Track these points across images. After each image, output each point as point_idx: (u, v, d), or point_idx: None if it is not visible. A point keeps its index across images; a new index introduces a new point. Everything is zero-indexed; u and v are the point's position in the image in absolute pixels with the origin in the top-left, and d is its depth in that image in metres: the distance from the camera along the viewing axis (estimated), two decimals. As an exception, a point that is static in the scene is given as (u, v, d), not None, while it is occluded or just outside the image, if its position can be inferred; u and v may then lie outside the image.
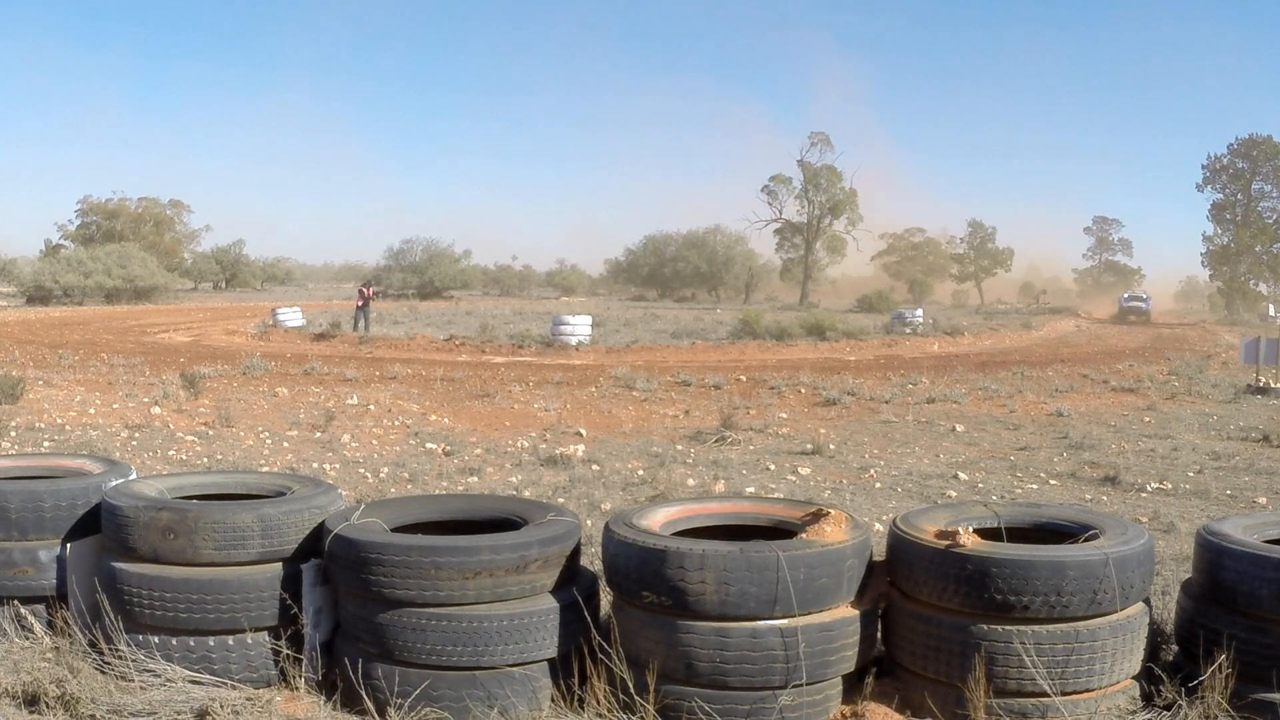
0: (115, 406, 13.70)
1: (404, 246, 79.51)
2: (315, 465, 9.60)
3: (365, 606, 4.05)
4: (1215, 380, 20.33)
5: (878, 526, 7.03)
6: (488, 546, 3.98)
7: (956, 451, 11.48)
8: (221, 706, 3.93)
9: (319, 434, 11.67)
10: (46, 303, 54.20)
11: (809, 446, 11.21)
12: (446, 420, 13.38)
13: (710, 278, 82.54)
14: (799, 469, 10.01)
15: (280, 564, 4.31)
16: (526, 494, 8.23)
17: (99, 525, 4.60)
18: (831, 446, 11.49)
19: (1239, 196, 65.12)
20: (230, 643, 4.24)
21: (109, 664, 4.24)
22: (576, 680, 4.05)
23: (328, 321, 33.57)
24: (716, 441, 11.59)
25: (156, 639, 4.24)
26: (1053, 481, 9.75)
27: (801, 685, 3.80)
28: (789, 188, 72.64)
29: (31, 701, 4.06)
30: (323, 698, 4.15)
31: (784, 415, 14.43)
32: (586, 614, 4.12)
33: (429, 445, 11.06)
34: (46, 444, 10.53)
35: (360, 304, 32.78)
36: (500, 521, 4.43)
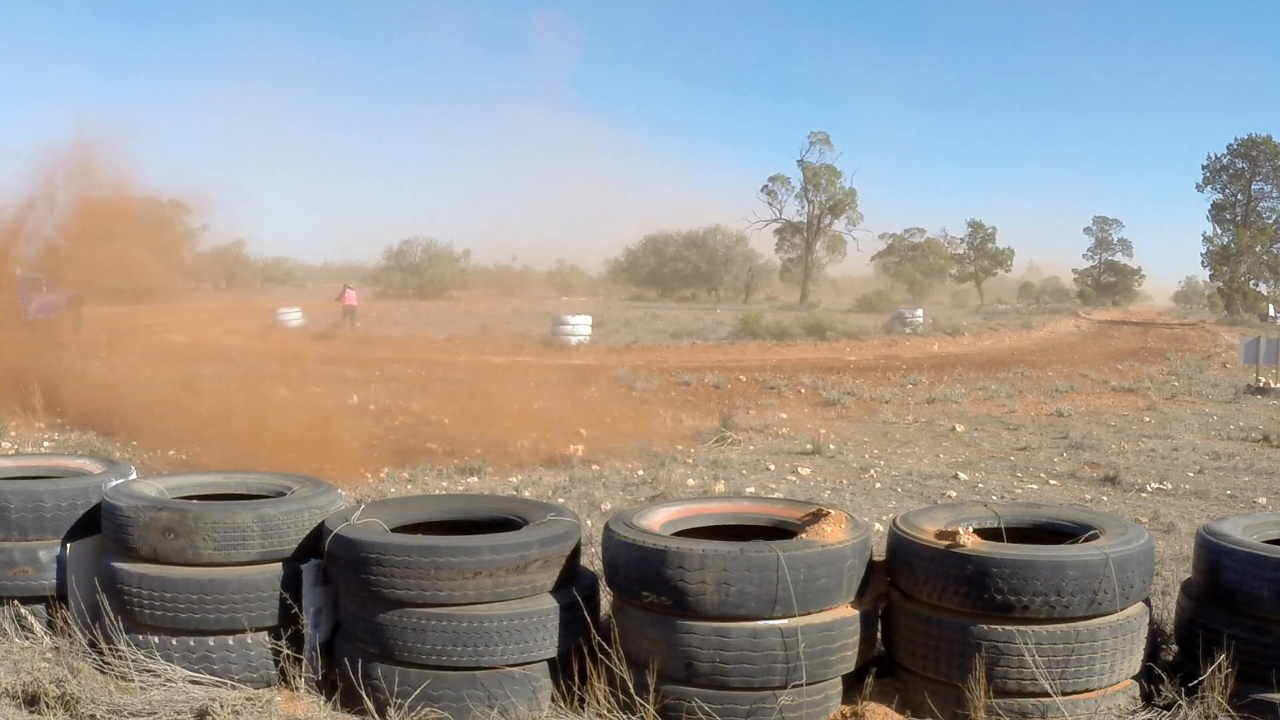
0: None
1: (404, 246, 79.39)
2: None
3: (365, 606, 4.05)
4: (1215, 380, 20.34)
5: (878, 526, 7.03)
6: (488, 546, 3.97)
7: (956, 451, 11.48)
8: (221, 706, 3.93)
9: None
10: (46, 303, 54.10)
11: (809, 446, 11.21)
12: (446, 420, 13.38)
13: (710, 278, 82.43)
14: (799, 469, 10.01)
15: (280, 564, 4.31)
16: (526, 494, 8.23)
17: (99, 525, 4.60)
18: (831, 446, 11.49)
19: (1239, 196, 65.01)
20: (230, 643, 4.24)
21: (109, 664, 4.24)
22: (576, 680, 4.06)
23: (328, 322, 33.63)
24: (716, 441, 11.59)
25: (156, 639, 4.24)
26: (1053, 481, 9.75)
27: (801, 685, 3.80)
28: (789, 187, 72.67)
29: (31, 701, 4.06)
30: (323, 698, 4.15)
31: (784, 415, 14.43)
32: (586, 614, 4.12)
33: (429, 445, 11.06)
34: (46, 444, 10.53)
35: (352, 304, 33.31)
36: (500, 521, 4.43)
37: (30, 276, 31.98)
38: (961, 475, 9.84)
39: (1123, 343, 36.12)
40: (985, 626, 3.81)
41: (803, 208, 72.63)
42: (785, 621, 3.79)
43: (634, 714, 3.85)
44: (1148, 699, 3.95)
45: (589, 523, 6.51)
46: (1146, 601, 4.09)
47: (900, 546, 4.10)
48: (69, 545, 4.71)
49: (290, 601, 4.24)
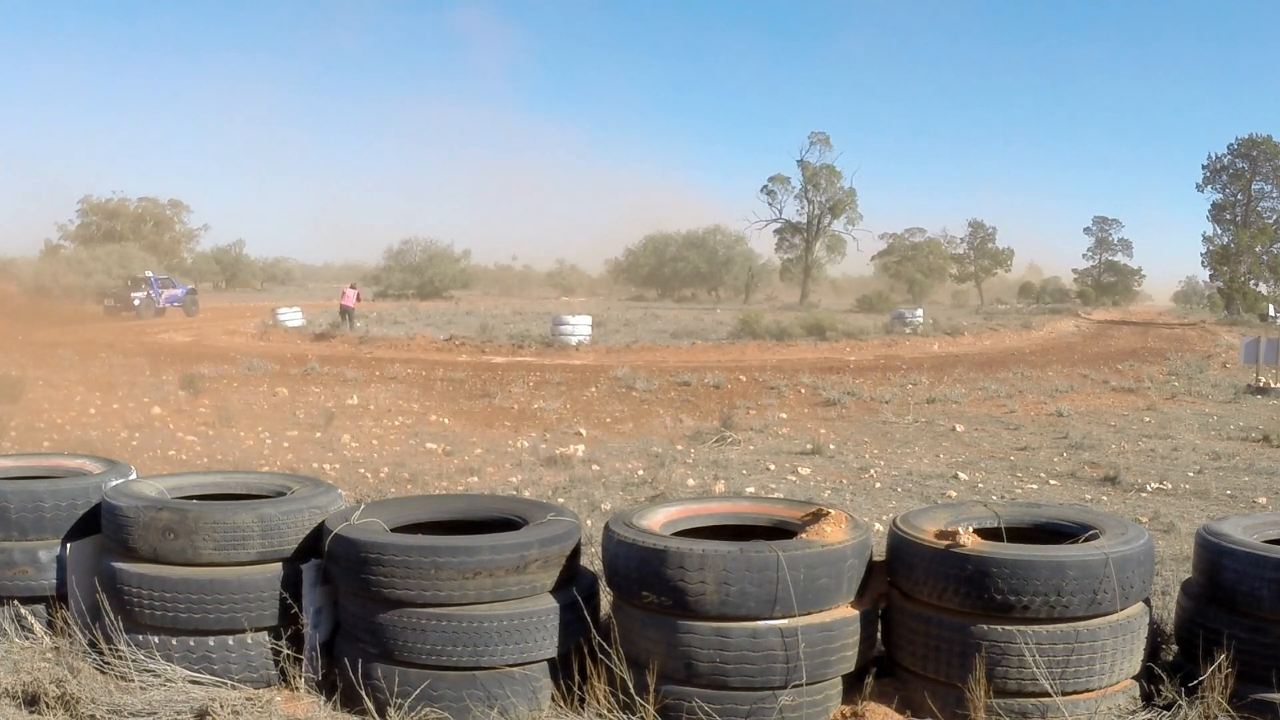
0: (115, 406, 13.70)
1: (404, 246, 79.30)
2: (315, 465, 9.60)
3: (365, 606, 4.05)
4: (1215, 380, 20.35)
5: (878, 526, 7.03)
6: (488, 546, 3.97)
7: (956, 451, 11.48)
8: (221, 706, 3.93)
9: (319, 434, 11.68)
10: (47, 303, 54.13)
11: (809, 446, 11.21)
12: (446, 420, 13.38)
13: (710, 278, 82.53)
14: (799, 469, 10.01)
15: (280, 564, 4.30)
16: (526, 494, 8.22)
17: (99, 525, 4.60)
18: (831, 446, 11.49)
19: (1239, 196, 64.95)
20: (230, 643, 4.23)
21: (109, 664, 4.24)
22: (576, 680, 4.05)
23: (328, 322, 33.67)
24: (716, 441, 11.59)
25: (156, 639, 4.24)
26: (1053, 481, 9.75)
27: (801, 685, 3.80)
28: (788, 187, 72.73)
29: (31, 701, 4.06)
30: (323, 698, 4.15)
31: (784, 415, 14.43)
32: (586, 614, 4.12)
33: (429, 445, 11.07)
34: (46, 444, 10.53)
35: (349, 305, 33.60)
36: (500, 521, 4.43)
37: (160, 277, 42.64)
38: (961, 475, 9.84)
39: (1123, 343, 36.13)
40: (985, 626, 3.80)
41: (802, 208, 72.80)
42: (785, 621, 3.78)
43: (634, 714, 3.85)
44: (1148, 699, 3.95)
45: (589, 523, 6.51)
46: (1146, 601, 4.08)
47: (900, 546, 4.10)
48: (69, 545, 4.71)
49: (290, 601, 4.24)
